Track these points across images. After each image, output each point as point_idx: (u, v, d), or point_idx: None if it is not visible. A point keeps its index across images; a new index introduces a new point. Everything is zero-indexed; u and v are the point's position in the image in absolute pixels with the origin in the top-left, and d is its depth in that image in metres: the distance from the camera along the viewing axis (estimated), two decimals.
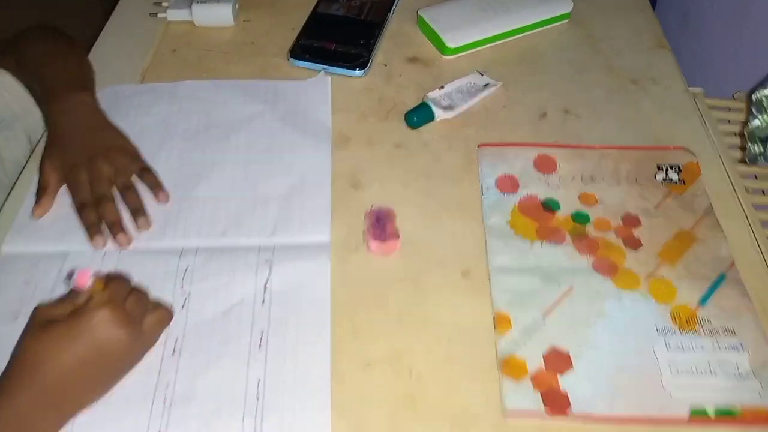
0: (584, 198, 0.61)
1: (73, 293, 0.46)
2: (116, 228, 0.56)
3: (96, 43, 0.75)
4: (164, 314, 0.49)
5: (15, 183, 0.62)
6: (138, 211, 0.57)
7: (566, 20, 0.78)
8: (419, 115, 0.66)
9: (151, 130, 0.65)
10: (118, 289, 0.46)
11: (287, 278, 0.54)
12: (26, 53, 0.66)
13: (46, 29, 0.70)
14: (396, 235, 0.56)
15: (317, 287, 0.54)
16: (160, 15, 0.76)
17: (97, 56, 0.73)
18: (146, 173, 0.60)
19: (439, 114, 0.67)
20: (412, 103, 0.69)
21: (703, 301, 0.54)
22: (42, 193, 0.58)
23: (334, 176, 0.62)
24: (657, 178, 0.63)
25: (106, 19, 0.78)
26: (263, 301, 0.53)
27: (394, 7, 0.79)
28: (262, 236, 0.57)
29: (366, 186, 0.62)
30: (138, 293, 0.48)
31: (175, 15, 0.76)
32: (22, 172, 0.63)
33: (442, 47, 0.74)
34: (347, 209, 0.60)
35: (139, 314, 0.46)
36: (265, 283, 0.54)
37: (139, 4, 0.80)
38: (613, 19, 0.80)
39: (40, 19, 0.71)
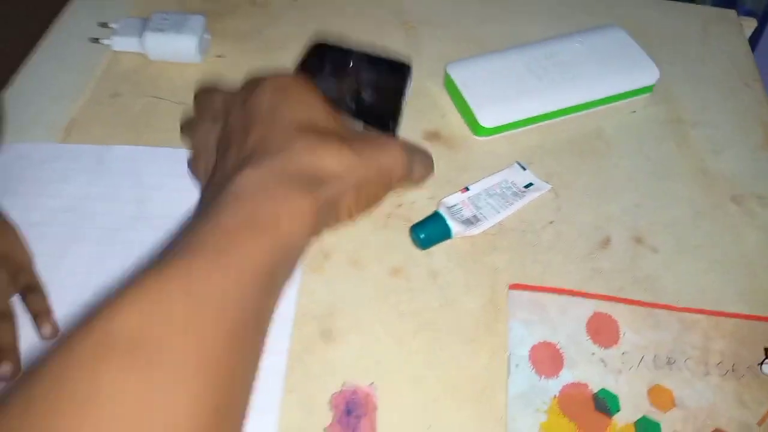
0: (656, 395, 0.42)
1: None
2: None
3: (18, 74, 0.57)
4: None
5: None
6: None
7: (647, 94, 0.58)
8: (429, 232, 0.47)
9: (58, 220, 0.47)
10: None
11: None
12: None
13: None
14: None
15: None
16: (103, 41, 0.57)
17: (15, 94, 0.55)
18: (31, 294, 0.42)
19: (457, 231, 0.47)
20: (423, 204, 0.50)
21: None
22: None
23: (297, 317, 0.44)
24: (763, 369, 0.43)
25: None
26: None
27: (406, 90, 0.54)
28: None
29: (341, 337, 0.43)
30: None
31: (122, 44, 0.57)
32: None
33: (473, 124, 0.54)
34: (308, 376, 0.41)
35: None
36: None
37: (84, 24, 0.60)
38: (711, 97, 0.59)
39: None
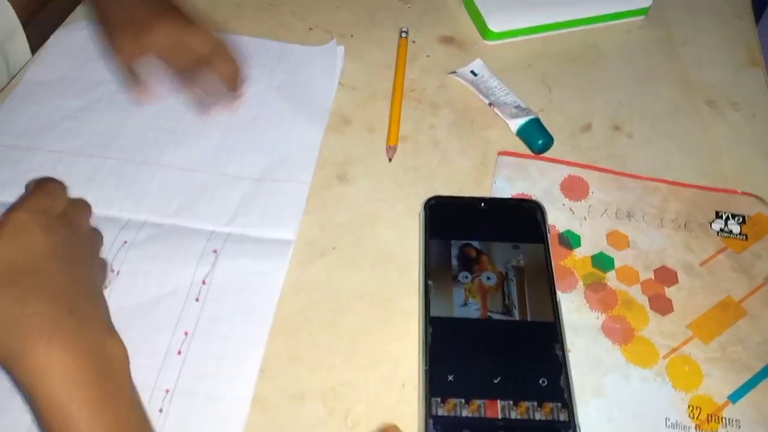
0: (613, 238, 0.49)
1: None
2: None
3: None
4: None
5: None
6: None
7: (642, 16, 0.65)
8: (545, 138, 0.54)
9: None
10: None
11: (232, 276, 0.46)
12: None
13: None
14: None
15: (264, 293, 0.45)
16: None
17: None
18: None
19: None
20: (433, 89, 0.59)
21: (736, 396, 0.42)
22: None
23: (320, 163, 0.53)
24: (713, 227, 0.50)
25: None
26: (197, 298, 0.45)
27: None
28: (219, 222, 0.49)
29: (354, 181, 0.52)
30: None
31: None
32: None
33: (483, 29, 0.62)
34: (324, 204, 0.51)
35: None
36: (205, 277, 0.46)
37: None
38: (701, 23, 0.66)
39: None
